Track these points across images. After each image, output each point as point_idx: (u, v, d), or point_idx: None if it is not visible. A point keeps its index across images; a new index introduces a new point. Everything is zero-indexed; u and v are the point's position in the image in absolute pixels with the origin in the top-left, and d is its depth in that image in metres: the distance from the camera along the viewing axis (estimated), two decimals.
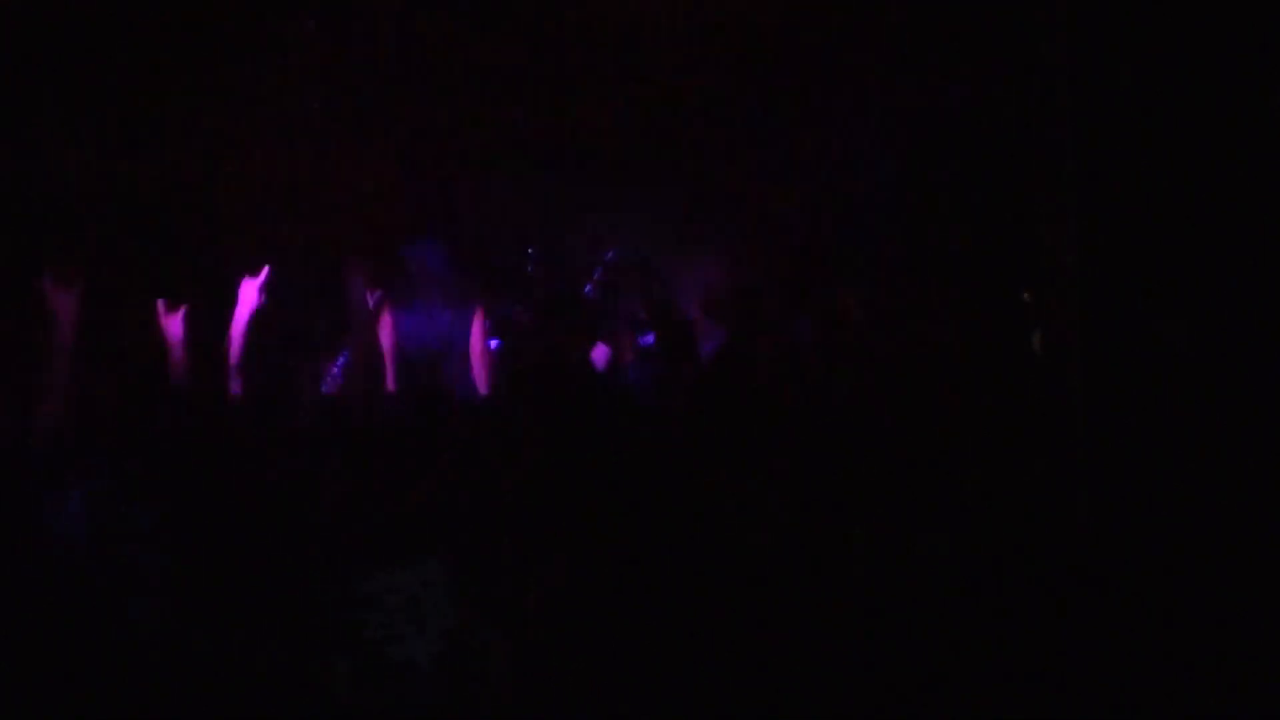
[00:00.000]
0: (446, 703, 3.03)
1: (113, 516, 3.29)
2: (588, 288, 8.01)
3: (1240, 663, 3.47)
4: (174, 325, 4.34)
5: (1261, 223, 4.48)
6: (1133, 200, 4.60)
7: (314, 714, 3.01)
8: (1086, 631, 3.57)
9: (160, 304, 4.45)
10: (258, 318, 4.38)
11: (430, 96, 8.55)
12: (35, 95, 7.18)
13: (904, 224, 7.40)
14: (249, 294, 4.47)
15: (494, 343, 7.55)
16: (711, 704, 3.13)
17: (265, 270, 4.51)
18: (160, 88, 7.61)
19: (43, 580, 3.20)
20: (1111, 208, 4.63)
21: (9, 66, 7.06)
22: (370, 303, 4.76)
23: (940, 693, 3.35)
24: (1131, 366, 4.50)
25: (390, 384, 5.50)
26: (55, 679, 3.01)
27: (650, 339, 7.07)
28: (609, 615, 3.20)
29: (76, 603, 3.14)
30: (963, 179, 6.86)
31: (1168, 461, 4.22)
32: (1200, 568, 3.76)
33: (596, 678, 3.12)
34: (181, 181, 7.80)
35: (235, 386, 4.31)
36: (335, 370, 5.51)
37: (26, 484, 3.47)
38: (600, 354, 7.20)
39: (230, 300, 4.57)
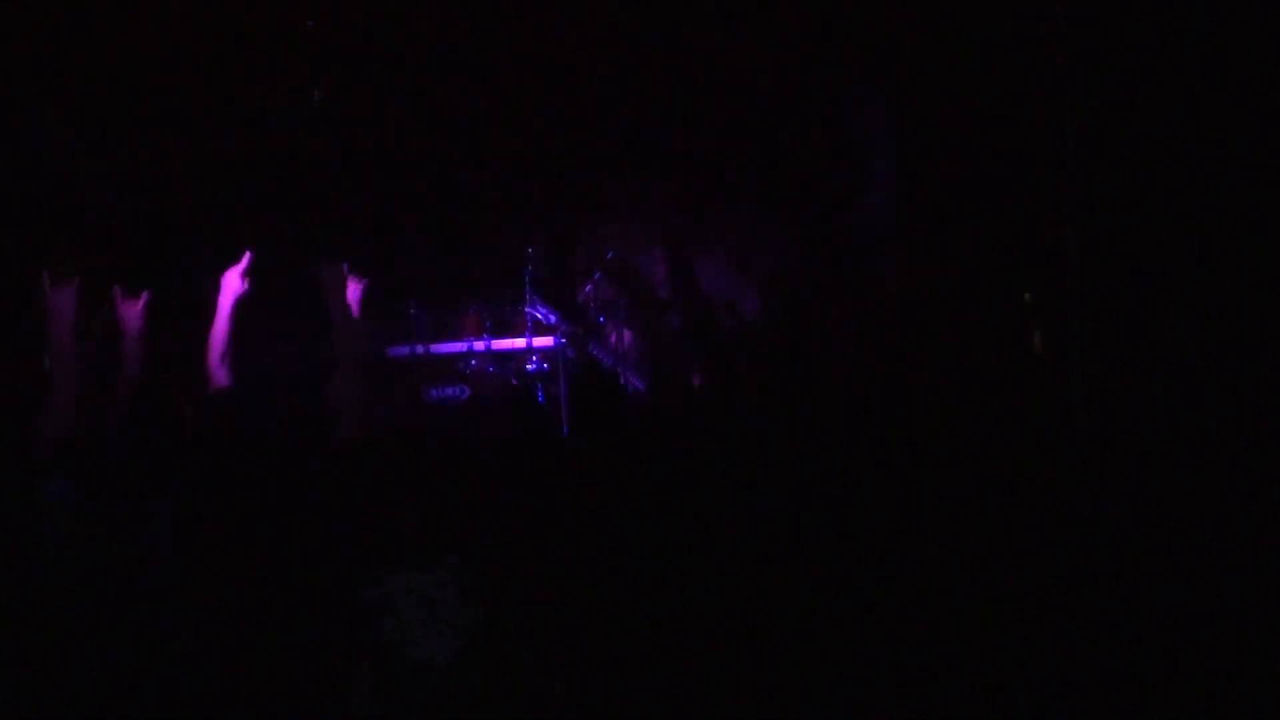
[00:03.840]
0: (464, 703, 3.04)
1: (126, 518, 3.30)
2: (588, 287, 8.03)
3: (1240, 662, 3.48)
4: (134, 316, 4.28)
5: (1260, 223, 4.49)
6: (1132, 201, 4.61)
7: (334, 716, 3.03)
8: (1086, 630, 3.58)
9: (139, 299, 4.40)
10: (241, 305, 4.32)
11: (431, 95, 8.56)
12: (30, 95, 7.19)
13: (907, 225, 7.41)
14: (231, 281, 4.40)
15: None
16: (726, 698, 3.14)
17: (246, 257, 4.43)
18: (154, 85, 7.62)
19: (56, 581, 3.22)
20: (1111, 209, 4.65)
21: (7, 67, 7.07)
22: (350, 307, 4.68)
23: (941, 692, 3.36)
24: (1131, 366, 4.52)
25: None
26: (73, 680, 3.02)
27: (675, 321, 7.07)
28: (625, 612, 3.22)
29: (90, 605, 3.15)
30: (965, 180, 6.87)
31: (1167, 460, 4.23)
32: (1200, 566, 3.77)
33: (611, 675, 3.13)
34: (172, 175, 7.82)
35: (222, 376, 4.24)
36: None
37: (34, 483, 3.47)
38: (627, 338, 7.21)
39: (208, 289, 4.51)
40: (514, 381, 7.41)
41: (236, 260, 4.40)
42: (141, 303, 4.35)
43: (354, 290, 4.56)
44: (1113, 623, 3.63)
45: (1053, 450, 4.33)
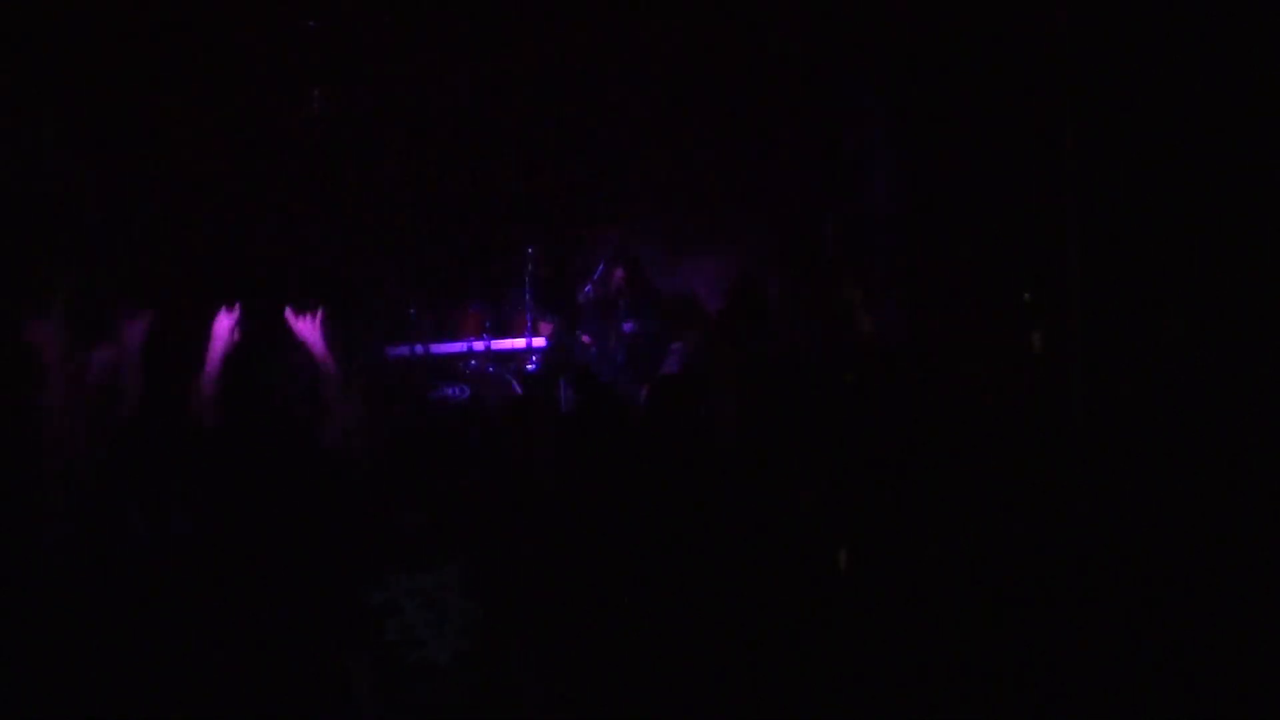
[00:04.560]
0: (466, 703, 3.05)
1: (129, 519, 3.30)
2: (587, 288, 8.04)
3: (1240, 662, 3.48)
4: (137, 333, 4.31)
5: (1260, 223, 4.50)
6: (1131, 202, 4.61)
7: (337, 717, 3.03)
8: (1086, 630, 3.58)
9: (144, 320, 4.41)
10: (231, 354, 4.35)
11: (431, 95, 8.56)
12: (30, 100, 7.18)
13: (907, 226, 7.41)
14: (222, 331, 4.43)
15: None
16: (726, 698, 3.14)
17: (238, 309, 4.46)
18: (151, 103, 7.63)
19: (58, 580, 3.22)
20: (1111, 209, 4.65)
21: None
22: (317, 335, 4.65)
23: (940, 692, 3.36)
24: (1131, 366, 4.52)
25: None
26: (75, 680, 3.02)
27: (630, 326, 7.11)
28: (626, 613, 3.22)
29: (93, 605, 3.15)
30: (965, 181, 6.88)
31: (1166, 460, 4.24)
32: (1199, 566, 3.77)
33: (610, 675, 3.13)
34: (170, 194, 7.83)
35: (212, 419, 4.27)
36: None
37: (40, 491, 3.48)
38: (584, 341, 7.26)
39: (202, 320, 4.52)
40: (514, 383, 7.43)
41: (229, 308, 4.40)
42: (144, 322, 4.37)
43: (312, 328, 4.52)
44: (1112, 622, 3.63)
45: (1053, 450, 4.33)
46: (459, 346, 7.91)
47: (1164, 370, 4.50)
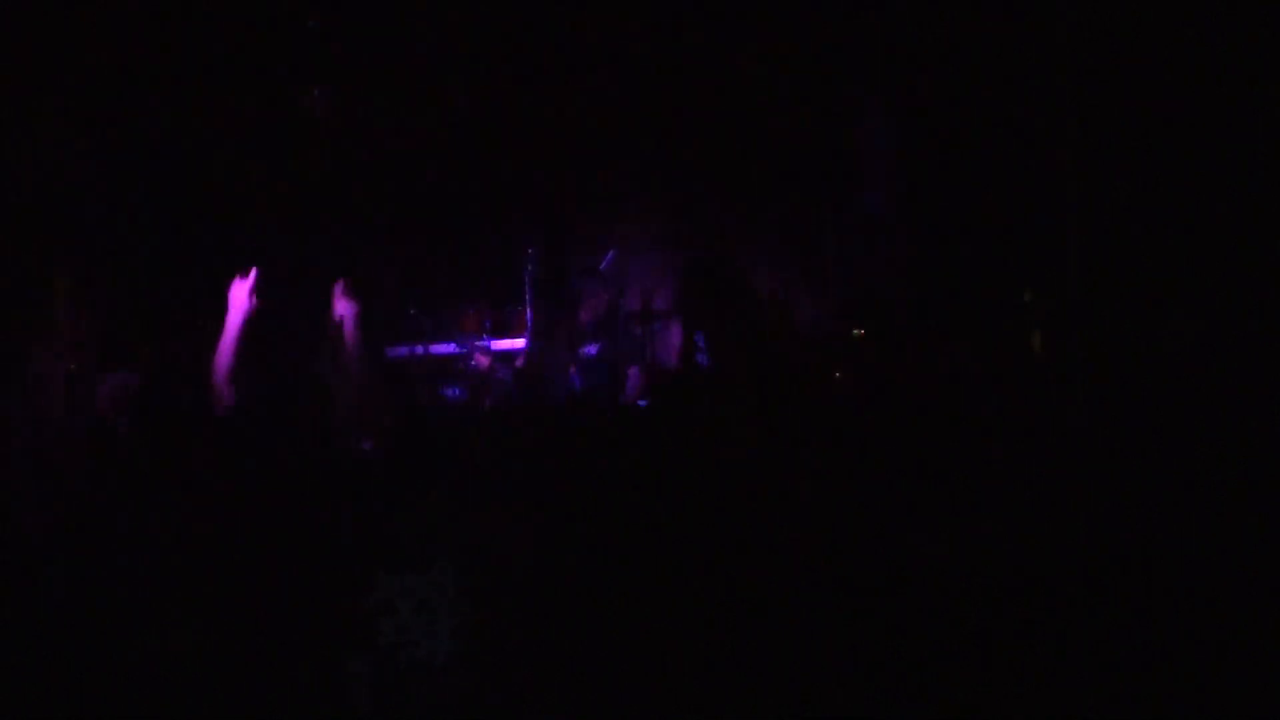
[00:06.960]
0: (462, 704, 3.05)
1: (125, 518, 3.31)
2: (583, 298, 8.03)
3: (1240, 663, 3.47)
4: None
5: (1260, 223, 4.49)
6: (1131, 202, 4.61)
7: (331, 718, 3.03)
8: (1087, 632, 3.57)
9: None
10: (250, 321, 4.32)
11: (431, 95, 8.56)
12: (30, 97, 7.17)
13: (907, 226, 7.42)
14: (240, 298, 4.38)
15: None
16: (719, 696, 3.14)
17: (254, 273, 4.43)
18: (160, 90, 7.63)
19: (55, 579, 3.22)
20: (1111, 209, 4.65)
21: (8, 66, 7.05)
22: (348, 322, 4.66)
23: (939, 693, 3.36)
24: (1131, 366, 4.51)
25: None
26: (71, 680, 3.02)
27: (594, 349, 7.10)
28: (619, 610, 3.22)
29: (87, 605, 3.15)
30: (965, 180, 6.88)
31: (1167, 461, 4.23)
32: (1201, 567, 3.76)
33: (607, 673, 3.13)
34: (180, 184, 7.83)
35: (229, 395, 4.24)
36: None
37: (31, 489, 3.48)
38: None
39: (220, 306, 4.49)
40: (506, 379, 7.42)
41: (244, 274, 4.39)
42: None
43: (352, 308, 4.56)
44: (1113, 624, 3.62)
45: (1053, 450, 4.32)
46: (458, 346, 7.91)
47: (1165, 370, 4.49)
